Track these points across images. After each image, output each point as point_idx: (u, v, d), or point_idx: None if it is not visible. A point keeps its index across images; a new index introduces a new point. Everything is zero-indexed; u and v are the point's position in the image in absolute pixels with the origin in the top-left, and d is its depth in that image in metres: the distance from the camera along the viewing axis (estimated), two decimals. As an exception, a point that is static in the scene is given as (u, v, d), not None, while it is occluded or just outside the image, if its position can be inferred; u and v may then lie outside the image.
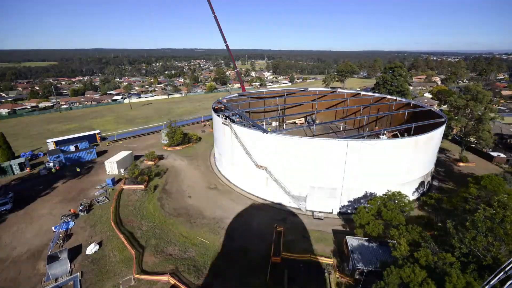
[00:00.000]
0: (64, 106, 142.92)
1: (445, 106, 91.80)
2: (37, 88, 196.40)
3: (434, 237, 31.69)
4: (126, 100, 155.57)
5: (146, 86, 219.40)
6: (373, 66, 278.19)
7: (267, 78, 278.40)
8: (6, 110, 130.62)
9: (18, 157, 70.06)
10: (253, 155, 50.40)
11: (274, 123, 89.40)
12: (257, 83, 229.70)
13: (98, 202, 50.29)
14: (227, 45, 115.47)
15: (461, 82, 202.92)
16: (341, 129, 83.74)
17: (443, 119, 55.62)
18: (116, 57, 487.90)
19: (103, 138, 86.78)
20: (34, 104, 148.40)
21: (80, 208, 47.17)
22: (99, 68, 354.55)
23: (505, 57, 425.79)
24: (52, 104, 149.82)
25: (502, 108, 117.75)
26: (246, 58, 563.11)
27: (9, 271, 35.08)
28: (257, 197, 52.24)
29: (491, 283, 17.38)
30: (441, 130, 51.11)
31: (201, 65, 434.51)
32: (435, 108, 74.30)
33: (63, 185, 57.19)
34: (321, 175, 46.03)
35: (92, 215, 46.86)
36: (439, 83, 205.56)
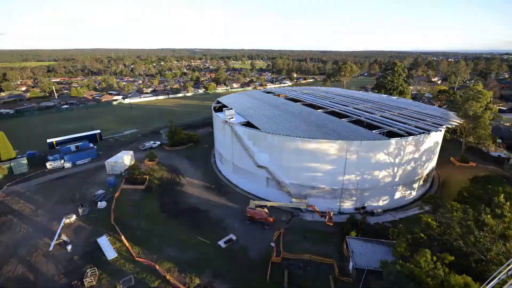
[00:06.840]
0: (64, 106, 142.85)
1: (445, 106, 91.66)
2: (38, 88, 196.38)
3: (433, 237, 31.64)
4: (127, 100, 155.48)
5: (147, 86, 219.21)
6: (373, 66, 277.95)
7: (267, 78, 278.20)
8: (7, 110, 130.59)
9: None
10: (253, 155, 50.45)
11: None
12: (257, 83, 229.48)
13: (98, 202, 50.27)
14: None
15: (461, 82, 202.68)
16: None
17: (443, 119, 55.58)
18: (117, 57, 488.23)
19: (101, 138, 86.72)
20: (35, 104, 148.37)
21: (80, 208, 47.17)
22: (99, 68, 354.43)
23: (505, 57, 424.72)
24: (52, 104, 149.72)
25: (502, 108, 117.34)
26: (246, 58, 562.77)
27: (11, 270, 35.14)
28: (258, 197, 52.23)
29: (491, 283, 17.30)
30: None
31: (201, 66, 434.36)
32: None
33: (63, 185, 57.21)
34: (322, 175, 46.05)
35: (92, 215, 46.90)
36: (439, 83, 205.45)
